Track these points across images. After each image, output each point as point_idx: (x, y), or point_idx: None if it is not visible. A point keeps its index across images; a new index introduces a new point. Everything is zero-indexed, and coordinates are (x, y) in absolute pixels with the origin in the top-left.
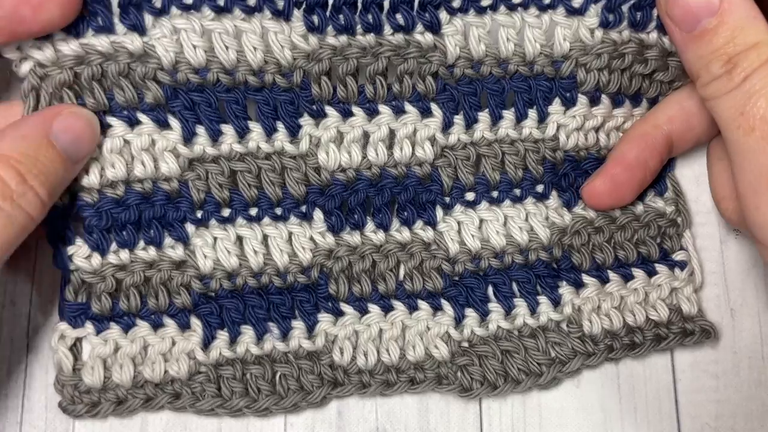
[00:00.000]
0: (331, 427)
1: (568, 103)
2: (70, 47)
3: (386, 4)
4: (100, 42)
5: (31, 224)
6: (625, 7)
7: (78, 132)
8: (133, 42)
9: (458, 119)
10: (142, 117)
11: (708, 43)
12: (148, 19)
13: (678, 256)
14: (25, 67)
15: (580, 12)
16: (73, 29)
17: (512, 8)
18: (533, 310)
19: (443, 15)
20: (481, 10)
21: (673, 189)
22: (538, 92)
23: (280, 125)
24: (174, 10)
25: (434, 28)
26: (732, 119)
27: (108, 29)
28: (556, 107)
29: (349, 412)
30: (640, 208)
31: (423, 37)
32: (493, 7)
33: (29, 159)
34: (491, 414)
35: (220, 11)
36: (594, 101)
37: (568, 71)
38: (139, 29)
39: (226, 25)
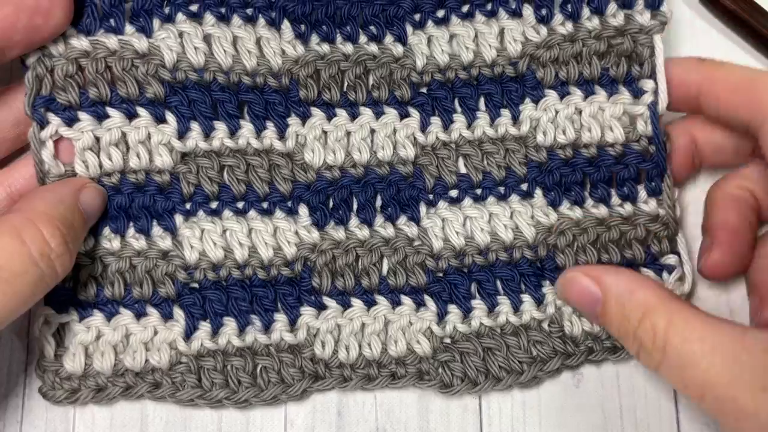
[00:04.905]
0: (331, 427)
1: (538, 99)
2: (80, 43)
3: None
4: (109, 40)
5: (54, 284)
6: (556, 2)
7: (97, 203)
8: (140, 41)
9: (435, 120)
10: (140, 110)
11: (610, 325)
12: (156, 22)
13: (668, 260)
14: (32, 57)
15: (518, 13)
16: (85, 28)
17: (463, 17)
18: (516, 308)
19: (408, 27)
20: (438, 22)
21: (669, 189)
22: (505, 93)
23: (269, 124)
24: (180, 16)
25: (402, 39)
26: (679, 391)
27: (118, 30)
28: (527, 104)
29: (349, 413)
30: (629, 208)
31: (394, 46)
32: (447, 19)
33: (67, 222)
34: (491, 414)
35: (221, 19)
36: (562, 95)
37: (524, 68)
38: (147, 31)
39: (225, 32)
